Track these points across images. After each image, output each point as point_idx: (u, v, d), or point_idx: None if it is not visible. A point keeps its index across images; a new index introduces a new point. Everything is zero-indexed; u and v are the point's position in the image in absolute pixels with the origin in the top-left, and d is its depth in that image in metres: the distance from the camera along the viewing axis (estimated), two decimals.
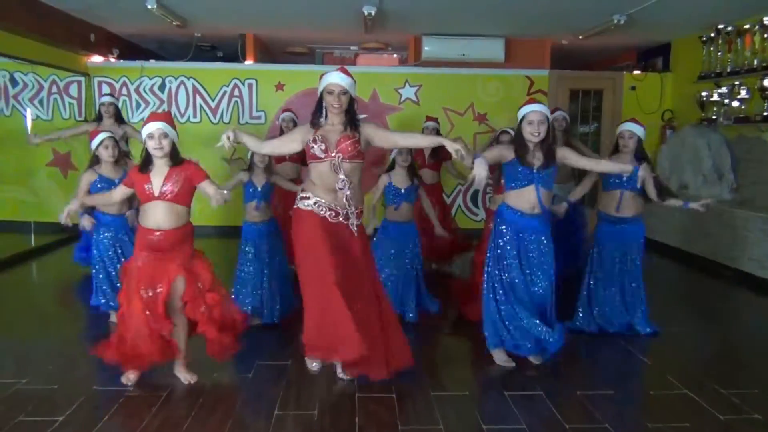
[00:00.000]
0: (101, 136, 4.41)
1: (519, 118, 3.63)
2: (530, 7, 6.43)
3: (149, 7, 6.23)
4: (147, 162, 3.34)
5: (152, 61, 8.36)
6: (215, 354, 3.49)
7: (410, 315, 4.64)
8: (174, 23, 7.03)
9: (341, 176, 3.31)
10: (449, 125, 8.17)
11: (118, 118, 5.87)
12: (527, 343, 3.68)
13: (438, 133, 6.09)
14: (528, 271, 3.70)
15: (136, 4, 6.22)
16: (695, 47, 7.50)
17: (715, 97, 7.06)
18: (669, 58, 8.46)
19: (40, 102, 7.97)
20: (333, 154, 3.31)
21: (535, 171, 3.59)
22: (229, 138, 3.31)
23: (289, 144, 3.53)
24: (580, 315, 4.46)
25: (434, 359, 4.13)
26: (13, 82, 7.91)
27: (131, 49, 8.66)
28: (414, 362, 3.58)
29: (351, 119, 3.40)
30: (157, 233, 3.31)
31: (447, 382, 3.67)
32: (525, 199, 3.64)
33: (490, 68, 8.20)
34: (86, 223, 4.34)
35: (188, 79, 8.10)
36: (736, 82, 6.73)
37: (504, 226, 3.73)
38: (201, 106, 8.13)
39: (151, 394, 3.38)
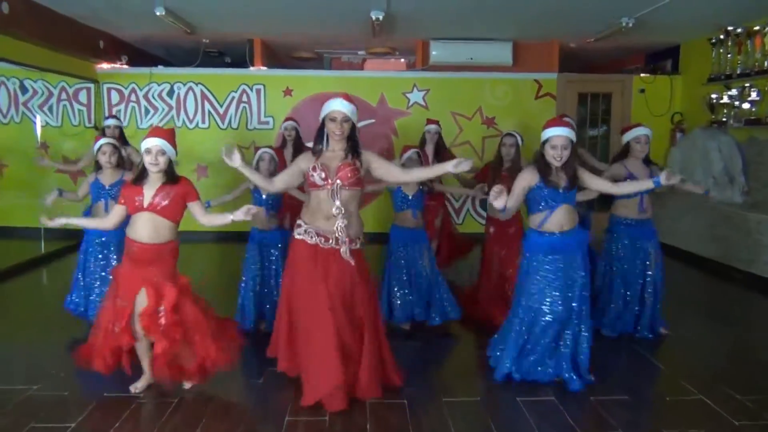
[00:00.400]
0: (100, 142, 4.50)
1: (542, 140, 3.54)
2: (538, 10, 6.41)
3: (158, 13, 6.25)
4: (141, 176, 3.36)
5: (161, 67, 8.38)
6: (156, 375, 3.44)
7: (436, 319, 4.64)
8: (182, 29, 7.05)
9: (337, 203, 3.28)
10: (457, 129, 8.15)
11: (123, 140, 5.90)
12: (547, 371, 3.61)
13: (440, 135, 6.05)
14: (561, 296, 3.52)
15: (145, 10, 6.24)
16: (704, 49, 7.46)
17: (725, 99, 7.01)
18: (678, 61, 8.41)
19: (50, 109, 8.01)
20: (332, 181, 3.29)
21: (561, 191, 3.50)
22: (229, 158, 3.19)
23: (298, 176, 3.46)
24: (604, 319, 4.44)
25: (445, 365, 4.12)
26: (23, 89, 7.96)
27: (140, 56, 8.70)
28: (401, 383, 3.51)
29: (353, 146, 3.38)
30: (136, 245, 3.32)
31: (458, 387, 3.66)
32: (554, 221, 3.54)
33: (498, 72, 8.18)
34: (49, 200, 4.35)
35: (196, 84, 8.13)
36: (747, 84, 6.68)
37: (534, 253, 3.60)
38: (209, 112, 8.15)
39: (162, 400, 3.39)
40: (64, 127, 7.98)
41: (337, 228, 3.29)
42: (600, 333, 4.37)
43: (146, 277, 3.31)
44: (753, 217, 5.98)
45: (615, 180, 4.24)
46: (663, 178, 3.44)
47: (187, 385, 3.53)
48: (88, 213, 4.68)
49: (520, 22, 7.13)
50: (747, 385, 3.60)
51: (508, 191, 4.74)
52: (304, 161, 3.41)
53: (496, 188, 3.30)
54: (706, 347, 4.39)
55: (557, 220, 3.53)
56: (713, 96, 7.20)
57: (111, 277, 3.60)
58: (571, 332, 3.57)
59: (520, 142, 4.93)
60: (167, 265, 3.40)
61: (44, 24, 6.17)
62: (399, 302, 4.59)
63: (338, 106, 3.31)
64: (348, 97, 3.35)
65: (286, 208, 4.85)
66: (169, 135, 3.38)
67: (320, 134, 3.38)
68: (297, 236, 3.41)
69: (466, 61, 8.03)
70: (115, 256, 4.47)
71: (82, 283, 4.55)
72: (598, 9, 6.26)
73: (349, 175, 3.30)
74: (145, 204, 3.30)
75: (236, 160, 3.15)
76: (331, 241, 3.33)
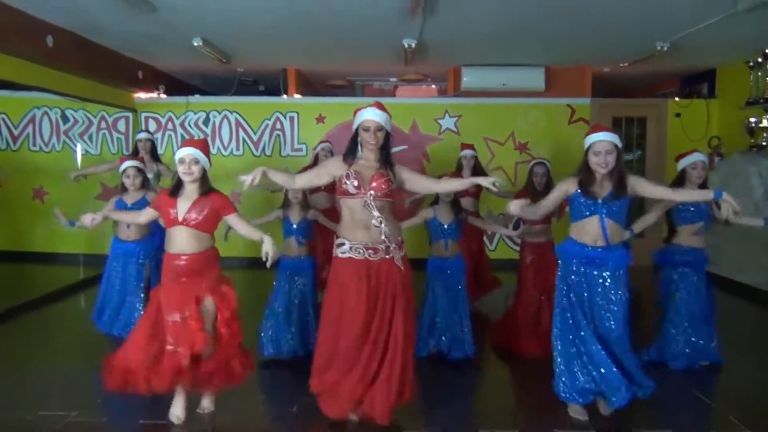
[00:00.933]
0: (125, 164, 4.67)
1: (585, 147, 3.43)
2: (571, 36, 6.40)
3: (195, 44, 6.41)
4: (177, 187, 3.37)
5: (197, 96, 8.57)
6: (224, 382, 3.44)
7: (469, 351, 4.51)
8: (218, 59, 7.20)
9: (375, 213, 3.25)
10: (490, 155, 8.13)
11: (154, 155, 5.98)
12: (593, 390, 3.41)
13: (476, 159, 6.01)
14: (594, 312, 3.42)
15: (183, 41, 6.40)
16: (742, 72, 7.34)
17: (765, 123, 6.87)
18: (714, 84, 8.29)
19: (90, 137, 8.22)
20: (365, 191, 3.26)
21: (600, 201, 3.37)
22: (254, 180, 3.24)
23: (323, 176, 3.45)
24: (663, 347, 4.33)
25: (481, 395, 4.05)
26: (65, 118, 8.20)
27: (177, 85, 8.90)
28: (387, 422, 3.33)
29: (386, 156, 3.36)
30: (183, 258, 3.31)
31: (496, 417, 3.59)
32: (587, 231, 3.42)
33: (530, 97, 8.16)
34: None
35: (231, 113, 8.27)
36: None
37: (566, 262, 3.51)
38: (244, 139, 8.28)
39: (198, 428, 3.38)
40: (103, 155, 8.16)
41: (384, 236, 3.26)
42: (653, 364, 4.22)
43: (204, 286, 3.32)
44: None
45: (667, 206, 4.17)
46: (725, 194, 3.27)
47: (205, 407, 3.51)
48: (115, 240, 4.86)
49: (553, 48, 7.12)
50: None
51: (547, 219, 4.69)
52: (336, 166, 3.37)
53: (519, 201, 3.26)
54: (755, 380, 4.23)
55: (590, 231, 3.40)
56: (752, 120, 7.06)
57: (150, 299, 3.55)
58: (606, 352, 3.39)
59: (550, 168, 4.87)
60: (216, 271, 3.42)
61: (87, 56, 6.36)
62: (431, 332, 4.51)
63: (372, 115, 3.28)
64: (381, 107, 3.33)
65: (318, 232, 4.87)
66: (203, 145, 3.40)
67: (353, 143, 3.36)
68: (342, 255, 3.32)
69: (498, 87, 8.01)
70: (134, 270, 4.67)
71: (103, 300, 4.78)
72: (632, 34, 6.22)
73: (383, 186, 3.27)
74: (180, 218, 3.30)
75: (253, 178, 3.22)
76: (380, 251, 3.28)
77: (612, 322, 3.38)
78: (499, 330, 4.96)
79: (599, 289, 3.41)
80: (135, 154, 5.86)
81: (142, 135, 6.02)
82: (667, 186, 4.31)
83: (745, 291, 6.43)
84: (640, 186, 3.41)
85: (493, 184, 3.30)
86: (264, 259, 3.22)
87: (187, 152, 3.31)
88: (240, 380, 3.50)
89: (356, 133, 3.35)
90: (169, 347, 3.28)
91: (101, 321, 4.86)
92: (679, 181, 4.31)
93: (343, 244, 3.32)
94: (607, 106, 8.29)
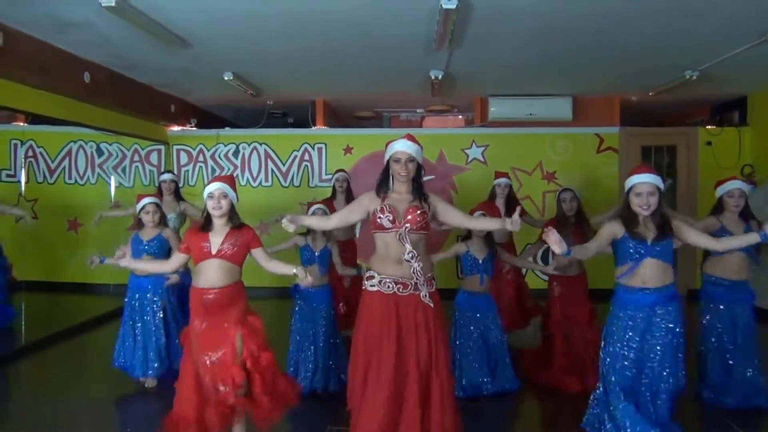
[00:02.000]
0: (144, 201, 4.68)
1: (626, 189, 3.37)
2: (598, 65, 6.39)
3: (226, 78, 6.56)
4: (207, 222, 3.41)
5: (227, 128, 8.73)
6: (257, 419, 3.38)
7: (513, 386, 4.46)
8: (249, 92, 7.35)
9: (408, 247, 3.20)
10: (518, 184, 8.08)
11: (177, 195, 5.97)
12: None
13: (510, 188, 5.96)
14: (648, 364, 3.30)
15: (214, 76, 6.56)
16: None
17: None
18: (746, 112, 8.18)
19: (123, 170, 8.41)
20: (400, 224, 3.22)
21: (649, 243, 3.28)
22: (291, 223, 3.30)
23: (356, 213, 3.44)
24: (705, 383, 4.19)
25: (510, 429, 3.96)
26: (99, 152, 8.41)
27: (208, 118, 9.09)
28: None
29: (418, 187, 3.34)
30: (212, 292, 3.31)
31: None
32: (640, 274, 3.31)
33: (558, 127, 8.14)
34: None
35: (260, 144, 8.41)
36: None
37: (621, 312, 3.37)
38: (272, 171, 8.39)
39: None
40: (135, 188, 8.33)
41: (413, 272, 3.21)
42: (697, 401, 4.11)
43: (232, 320, 3.32)
44: None
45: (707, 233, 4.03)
46: None
47: None
48: (131, 276, 4.84)
49: (580, 78, 7.11)
50: None
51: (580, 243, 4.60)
52: (369, 201, 3.34)
53: (553, 236, 3.13)
54: None
55: (642, 274, 3.29)
56: None
57: (183, 340, 3.56)
58: (651, 397, 3.29)
59: (578, 194, 4.82)
60: (244, 304, 3.43)
61: (121, 91, 6.55)
62: (465, 371, 4.40)
63: (402, 146, 3.27)
64: (412, 138, 3.32)
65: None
66: (230, 180, 3.47)
67: (385, 176, 3.35)
68: (371, 288, 3.29)
69: (525, 117, 8.01)
70: (156, 307, 4.68)
71: (126, 342, 4.70)
72: (661, 62, 6.19)
73: (418, 219, 3.22)
74: (213, 251, 3.33)
75: (291, 226, 3.30)
76: (410, 287, 3.24)
77: (659, 366, 3.29)
78: (532, 362, 4.87)
79: (644, 334, 3.30)
80: (159, 195, 5.91)
81: (167, 176, 6.02)
82: (707, 216, 4.23)
83: None
84: (684, 232, 3.36)
85: (521, 215, 3.25)
86: (303, 276, 3.32)
87: (216, 187, 3.38)
88: (286, 403, 3.49)
89: (387, 165, 3.34)
90: (221, 387, 3.27)
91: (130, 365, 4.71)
92: (718, 209, 4.20)
93: (372, 277, 3.29)
94: (636, 135, 8.23)
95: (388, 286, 3.23)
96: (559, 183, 8.00)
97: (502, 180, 5.87)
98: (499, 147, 8.19)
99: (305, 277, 3.28)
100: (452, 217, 3.44)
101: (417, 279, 3.22)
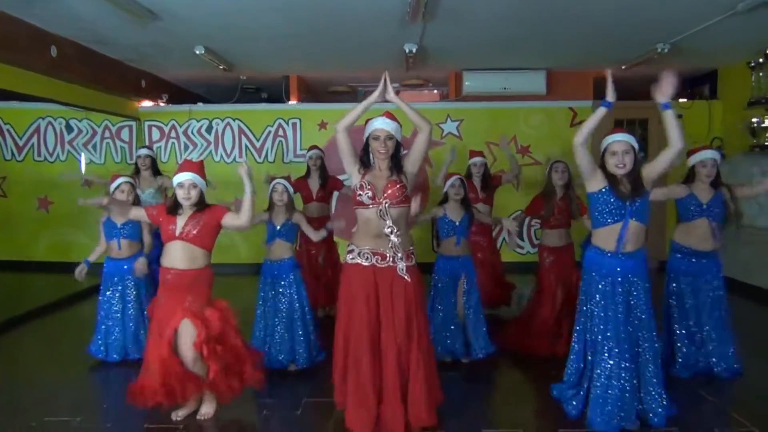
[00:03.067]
0: (118, 180, 4.60)
1: (601, 150, 3.36)
2: (571, 39, 6.41)
3: (197, 52, 6.45)
4: (176, 206, 3.45)
5: (200, 104, 8.61)
6: (217, 392, 3.49)
7: (479, 354, 4.51)
8: (221, 67, 7.24)
9: (389, 222, 3.25)
10: (492, 158, 8.12)
11: (155, 170, 5.91)
12: (621, 414, 3.23)
13: (486, 167, 6.00)
14: (623, 326, 3.27)
15: (186, 50, 6.45)
16: (743, 73, 7.35)
17: (767, 124, 6.87)
18: (716, 85, 8.30)
19: (94, 147, 8.28)
20: (380, 201, 3.27)
21: (627, 204, 3.25)
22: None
23: (353, 155, 3.37)
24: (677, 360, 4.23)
25: (485, 395, 4.04)
26: (69, 128, 8.26)
27: (180, 94, 8.95)
28: (437, 422, 3.32)
29: (397, 164, 3.37)
30: (171, 272, 3.41)
31: (499, 418, 3.60)
32: (614, 236, 3.28)
33: (532, 101, 8.18)
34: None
35: (234, 120, 8.32)
36: None
37: (593, 275, 3.35)
38: (246, 146, 8.32)
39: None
40: (107, 164, 8.21)
41: (392, 245, 3.26)
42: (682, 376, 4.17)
43: (185, 307, 3.37)
44: None
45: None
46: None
47: (204, 412, 3.53)
48: (107, 259, 4.78)
49: (553, 52, 7.14)
50: None
51: (565, 223, 4.66)
52: (353, 165, 3.36)
53: None
54: (758, 379, 4.21)
55: (618, 235, 3.27)
56: (754, 120, 7.06)
57: (149, 312, 3.65)
58: (636, 367, 3.30)
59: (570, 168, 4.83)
60: (203, 292, 3.48)
61: (90, 66, 6.41)
62: (441, 335, 4.47)
63: (381, 124, 3.32)
64: (391, 116, 3.36)
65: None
66: (200, 168, 3.51)
67: (365, 154, 3.38)
68: (350, 261, 3.35)
69: (499, 91, 8.04)
70: (133, 293, 4.64)
71: (103, 327, 4.65)
72: (633, 36, 6.23)
73: (397, 193, 3.27)
74: (177, 232, 3.40)
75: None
76: (388, 258, 3.29)
77: (639, 333, 3.31)
78: (511, 331, 4.94)
79: (625, 299, 3.29)
80: (137, 172, 5.84)
81: (142, 152, 5.95)
82: (677, 183, 4.27)
83: (756, 293, 6.39)
84: (650, 168, 3.30)
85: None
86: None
87: (186, 177, 3.42)
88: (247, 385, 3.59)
89: (367, 143, 3.37)
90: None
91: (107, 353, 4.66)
92: (689, 178, 4.22)
93: (352, 251, 3.36)
94: None
95: (367, 257, 3.29)
96: (533, 157, 8.07)
97: (478, 159, 5.91)
98: (474, 121, 8.21)
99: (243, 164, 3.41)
100: (411, 161, 3.40)
101: (395, 252, 3.26)
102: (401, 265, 3.28)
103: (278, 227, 4.48)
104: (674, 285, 4.28)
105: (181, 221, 3.43)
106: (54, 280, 7.72)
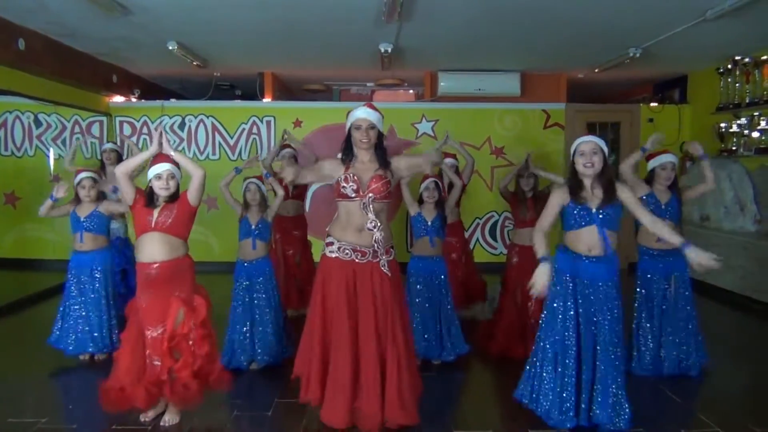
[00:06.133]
0: (80, 175, 4.56)
1: (572, 153, 3.38)
2: (545, 42, 6.47)
3: (170, 48, 6.37)
4: (151, 198, 3.39)
5: (172, 100, 8.51)
6: (175, 399, 3.40)
7: (451, 356, 4.50)
8: (194, 63, 7.16)
9: (371, 216, 3.24)
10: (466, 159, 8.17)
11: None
12: (571, 416, 3.27)
13: (457, 169, 6.00)
14: (588, 328, 3.30)
15: (158, 45, 6.37)
16: (712, 79, 7.49)
17: (735, 129, 7.02)
18: (686, 90, 8.45)
19: (63, 142, 8.11)
20: (364, 194, 3.25)
21: (594, 210, 3.28)
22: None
23: (315, 174, 3.39)
24: (637, 358, 4.27)
25: (457, 396, 4.06)
26: (37, 122, 8.07)
27: (152, 89, 8.83)
28: (418, 421, 3.33)
29: (381, 155, 3.35)
30: (154, 266, 3.33)
31: (470, 419, 3.60)
32: (581, 240, 3.32)
33: (506, 102, 8.23)
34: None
35: (207, 117, 8.22)
36: (756, 113, 6.69)
37: (558, 274, 3.37)
38: (220, 144, 8.23)
39: None
40: (76, 160, 8.03)
41: (375, 240, 3.25)
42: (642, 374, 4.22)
43: (177, 297, 3.33)
44: (767, 247, 5.91)
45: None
46: (692, 254, 3.17)
47: (167, 420, 3.46)
48: (73, 252, 4.67)
49: (528, 54, 7.19)
50: (765, 418, 3.52)
51: (536, 217, 4.70)
52: (331, 167, 3.34)
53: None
54: (723, 379, 4.31)
55: (587, 240, 3.30)
56: (722, 125, 7.20)
57: (128, 313, 3.53)
58: (594, 370, 3.31)
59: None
60: (188, 281, 3.44)
61: (59, 59, 6.29)
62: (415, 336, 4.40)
63: (363, 113, 3.29)
64: (373, 106, 3.34)
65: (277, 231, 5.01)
66: (173, 160, 3.46)
67: (348, 145, 3.35)
68: (329, 254, 3.33)
69: (474, 92, 8.09)
70: (97, 286, 4.56)
71: (65, 318, 4.58)
72: (605, 40, 6.32)
73: (381, 188, 3.26)
74: (152, 224, 3.35)
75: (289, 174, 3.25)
76: (368, 255, 3.28)
77: (601, 338, 3.30)
78: (483, 333, 4.96)
79: (595, 305, 3.32)
80: (102, 167, 5.74)
81: (108, 146, 5.86)
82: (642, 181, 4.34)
83: (721, 295, 6.52)
84: (625, 195, 3.33)
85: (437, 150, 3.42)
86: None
87: (165, 168, 3.37)
88: (212, 389, 3.54)
89: (349, 134, 3.34)
90: (155, 362, 3.33)
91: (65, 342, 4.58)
92: (649, 180, 4.32)
93: (332, 243, 3.33)
94: (582, 111, 8.39)
95: (347, 253, 3.28)
96: (506, 158, 8.12)
97: (449, 160, 5.90)
98: (449, 122, 8.23)
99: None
100: (407, 165, 3.44)
101: (377, 248, 3.26)
102: (383, 260, 3.28)
103: (253, 226, 4.45)
104: (642, 286, 4.34)
105: (155, 212, 3.38)
106: (19, 277, 7.57)
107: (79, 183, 4.52)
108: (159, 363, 3.32)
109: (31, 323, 5.86)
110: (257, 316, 4.41)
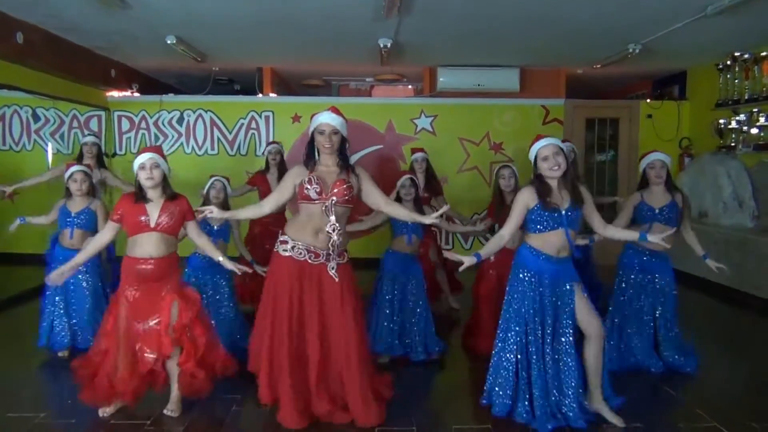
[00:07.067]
0: (72, 168, 4.51)
1: (532, 160, 3.34)
2: (545, 37, 6.46)
3: (169, 42, 6.35)
4: (142, 193, 3.37)
5: (171, 95, 8.49)
6: (185, 390, 3.44)
7: (420, 354, 4.47)
8: (193, 58, 7.14)
9: (332, 219, 3.26)
10: (465, 155, 8.18)
11: (99, 161, 5.72)
12: (547, 417, 3.24)
13: (428, 162, 5.95)
14: (551, 329, 3.28)
15: (157, 40, 6.35)
16: (712, 75, 7.48)
17: (734, 125, 7.01)
18: (685, 86, 8.44)
19: (61, 136, 8.09)
20: (327, 197, 3.27)
21: (564, 213, 3.25)
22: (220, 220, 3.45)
23: (286, 192, 3.42)
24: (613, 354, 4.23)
25: (455, 393, 4.06)
26: (35, 117, 8.06)
27: (151, 84, 8.81)
28: (383, 419, 3.34)
29: (344, 159, 3.37)
30: (150, 262, 3.31)
31: (468, 415, 3.60)
32: (550, 242, 3.28)
33: (505, 98, 8.22)
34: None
35: (206, 112, 8.21)
36: (755, 110, 6.68)
37: (523, 272, 3.35)
38: (218, 139, 8.22)
39: (171, 427, 3.37)
40: (74, 155, 8.02)
41: (331, 244, 3.28)
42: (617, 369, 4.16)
43: (170, 289, 3.34)
44: (765, 242, 5.92)
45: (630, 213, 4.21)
46: (650, 237, 3.38)
47: (171, 409, 3.47)
48: (55, 238, 4.71)
49: (527, 50, 7.18)
50: (764, 414, 3.53)
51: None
52: (296, 174, 3.38)
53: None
54: (721, 375, 4.32)
55: (555, 243, 3.27)
56: (721, 121, 7.20)
57: (111, 307, 3.51)
58: (557, 367, 3.31)
59: (516, 171, 4.84)
60: (178, 275, 3.47)
61: (58, 54, 6.27)
62: (382, 332, 4.39)
63: (326, 118, 3.31)
64: (337, 111, 3.36)
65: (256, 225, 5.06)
66: (159, 150, 3.46)
67: (311, 148, 3.37)
68: (283, 253, 3.35)
69: (473, 87, 8.07)
70: (82, 283, 4.53)
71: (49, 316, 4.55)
72: (605, 36, 6.31)
73: (345, 192, 3.28)
74: (152, 224, 3.33)
75: (217, 213, 3.42)
76: (321, 257, 3.31)
77: (567, 340, 3.29)
78: (467, 333, 4.94)
79: (559, 304, 3.30)
80: (80, 159, 5.60)
81: (89, 139, 5.73)
82: (634, 193, 4.31)
83: (719, 290, 6.52)
84: (588, 205, 3.36)
85: (440, 217, 3.32)
86: (236, 270, 3.51)
87: (148, 157, 3.35)
88: (217, 374, 3.57)
89: (312, 138, 3.37)
90: (148, 355, 3.31)
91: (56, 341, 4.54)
92: (643, 182, 4.28)
93: (286, 242, 3.35)
94: (581, 107, 8.39)
95: (301, 253, 3.31)
96: (505, 154, 8.12)
97: (419, 155, 5.87)
98: (448, 117, 8.23)
99: (229, 268, 3.51)
100: (373, 199, 3.46)
101: (332, 251, 3.30)
102: (332, 264, 3.32)
103: (215, 227, 4.44)
104: (623, 282, 4.35)
105: (153, 211, 3.34)
106: (16, 272, 7.56)
107: (70, 176, 4.47)
108: (153, 356, 3.31)
109: (28, 318, 5.84)
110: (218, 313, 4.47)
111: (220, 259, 3.52)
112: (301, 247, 3.31)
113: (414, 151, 6.00)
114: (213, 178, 4.60)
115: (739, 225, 6.63)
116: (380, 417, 3.32)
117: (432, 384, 4.13)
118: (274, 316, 3.32)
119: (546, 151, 3.27)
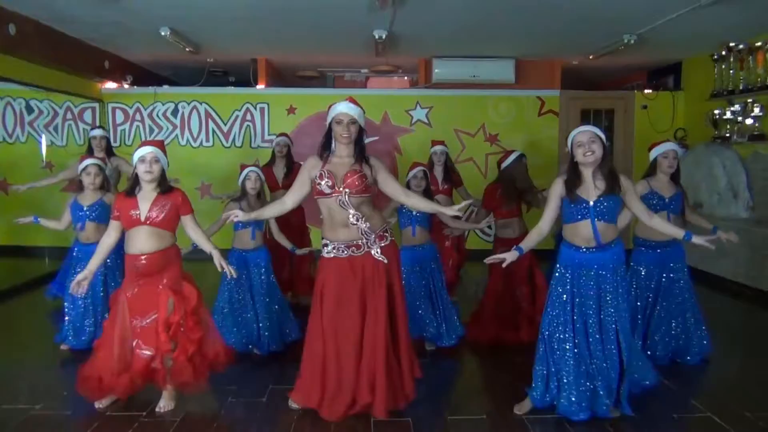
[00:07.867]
0: (86, 162, 4.48)
1: (569, 146, 3.33)
2: (540, 28, 6.45)
3: (163, 33, 6.31)
4: (134, 186, 3.36)
5: (165, 86, 8.45)
6: (177, 384, 3.42)
7: (452, 340, 4.51)
8: (187, 49, 7.11)
9: (351, 211, 3.24)
10: (460, 146, 8.17)
11: (109, 151, 5.74)
12: (582, 406, 3.26)
13: (447, 155, 5.96)
14: (588, 319, 3.28)
15: (150, 31, 6.31)
16: (706, 65, 7.48)
17: (728, 115, 7.02)
18: (680, 77, 8.44)
19: (55, 128, 8.07)
20: (340, 189, 3.24)
21: (591, 204, 3.24)
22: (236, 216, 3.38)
23: (306, 184, 3.39)
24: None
25: (451, 383, 4.08)
26: (29, 109, 8.03)
27: (145, 76, 8.76)
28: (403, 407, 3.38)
29: (360, 151, 3.34)
30: (143, 258, 3.31)
31: (464, 405, 3.62)
32: (580, 234, 3.29)
33: (500, 89, 8.21)
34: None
35: (201, 103, 8.18)
36: (749, 100, 6.69)
37: (559, 265, 3.37)
38: (213, 131, 8.20)
39: (165, 419, 3.37)
40: (68, 147, 8.02)
41: (362, 233, 3.26)
42: None
43: (165, 285, 3.33)
44: (760, 233, 5.94)
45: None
46: (696, 239, 3.39)
47: (162, 405, 3.46)
48: (77, 244, 4.61)
49: (522, 41, 7.17)
50: (758, 404, 3.56)
51: (517, 213, 4.68)
52: (311, 167, 3.34)
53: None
54: (716, 365, 4.33)
55: (584, 234, 3.27)
56: (716, 112, 7.21)
57: (111, 302, 3.54)
58: (599, 359, 3.29)
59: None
60: (177, 269, 3.44)
61: (51, 45, 6.22)
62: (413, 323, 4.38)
63: (345, 108, 3.28)
64: (354, 101, 3.34)
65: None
66: (161, 145, 3.44)
67: (327, 139, 3.34)
68: (327, 255, 3.33)
69: (468, 79, 8.05)
70: (101, 278, 4.47)
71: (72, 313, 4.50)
72: (601, 26, 6.30)
73: (357, 183, 3.24)
74: (142, 218, 3.31)
75: (242, 216, 3.38)
76: (363, 247, 3.29)
77: (607, 326, 3.28)
78: (474, 322, 4.96)
79: (593, 294, 3.28)
80: (90, 152, 5.61)
81: (97, 132, 5.73)
82: (639, 181, 4.29)
83: (714, 281, 6.55)
84: (629, 195, 3.33)
85: (459, 211, 3.26)
86: (220, 270, 3.40)
87: (148, 150, 3.34)
88: (213, 369, 3.58)
89: (330, 128, 3.32)
90: (145, 352, 3.33)
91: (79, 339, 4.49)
92: (651, 170, 4.28)
93: (326, 245, 3.34)
94: (576, 98, 8.39)
95: (343, 251, 3.29)
96: (501, 145, 8.12)
97: (439, 147, 5.85)
98: (443, 108, 8.22)
99: (222, 261, 3.42)
100: (390, 188, 3.42)
101: (367, 238, 3.26)
102: (375, 249, 3.29)
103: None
104: (636, 276, 4.33)
105: (144, 205, 3.33)
106: (15, 264, 7.56)
107: (84, 170, 4.44)
108: (150, 353, 3.32)
109: (24, 310, 5.85)
110: (254, 304, 4.40)
111: (214, 255, 3.44)
112: (341, 246, 3.29)
113: (434, 143, 5.96)
114: (247, 169, 4.49)
115: (733, 216, 6.65)
116: (413, 394, 3.39)
117: (427, 375, 4.13)
118: (333, 323, 3.29)
119: (582, 137, 3.27)
